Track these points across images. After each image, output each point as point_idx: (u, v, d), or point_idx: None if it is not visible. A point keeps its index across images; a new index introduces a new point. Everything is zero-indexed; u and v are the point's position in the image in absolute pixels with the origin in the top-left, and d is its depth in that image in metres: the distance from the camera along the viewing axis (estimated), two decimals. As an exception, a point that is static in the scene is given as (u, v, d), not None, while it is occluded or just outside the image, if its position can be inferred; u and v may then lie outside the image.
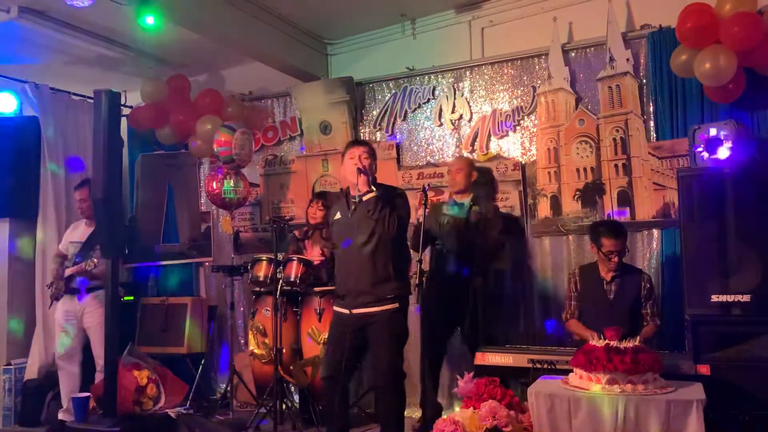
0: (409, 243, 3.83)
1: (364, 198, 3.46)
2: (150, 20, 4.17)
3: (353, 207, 3.50)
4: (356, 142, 3.78)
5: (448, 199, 4.46)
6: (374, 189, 3.48)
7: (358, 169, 3.46)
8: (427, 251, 4.31)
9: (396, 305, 3.45)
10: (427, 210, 3.67)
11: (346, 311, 3.51)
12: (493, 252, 4.28)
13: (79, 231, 4.84)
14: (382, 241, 3.43)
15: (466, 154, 4.90)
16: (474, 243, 4.19)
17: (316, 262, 3.77)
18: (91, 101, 4.36)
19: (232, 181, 5.16)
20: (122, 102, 5.11)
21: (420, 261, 3.52)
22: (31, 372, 5.00)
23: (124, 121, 5.34)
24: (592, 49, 4.51)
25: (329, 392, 3.55)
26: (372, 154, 3.60)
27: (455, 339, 4.42)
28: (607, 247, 3.74)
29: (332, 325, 3.70)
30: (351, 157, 3.55)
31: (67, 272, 4.67)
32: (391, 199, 3.49)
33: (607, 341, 2.97)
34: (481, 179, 4.57)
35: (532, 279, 4.64)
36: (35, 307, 5.09)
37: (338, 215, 3.64)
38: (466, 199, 4.34)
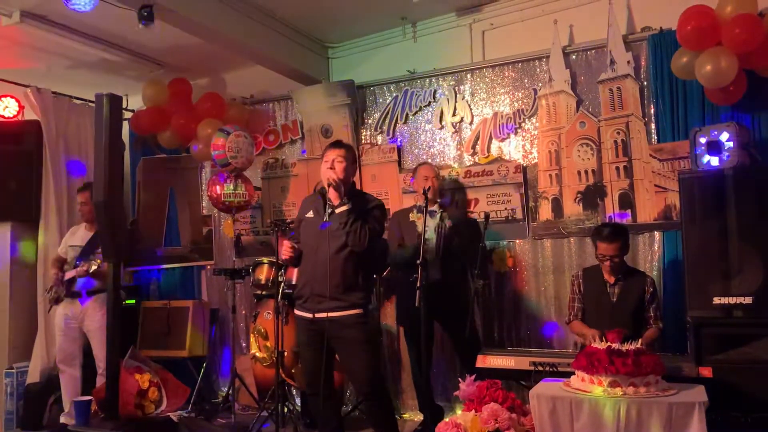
0: (392, 257, 3.77)
1: (337, 210, 3.42)
2: None
3: (328, 213, 3.46)
4: (333, 144, 3.61)
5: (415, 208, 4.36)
6: (346, 202, 3.42)
7: (329, 183, 3.43)
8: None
9: (360, 311, 3.42)
10: (426, 216, 3.65)
11: (309, 315, 3.47)
12: (477, 256, 4.24)
13: (79, 235, 4.85)
14: (352, 253, 3.41)
15: (467, 156, 4.90)
16: (459, 249, 4.17)
17: (284, 257, 3.71)
18: (93, 105, 4.37)
19: (232, 185, 5.16)
20: (124, 106, 5.11)
21: (421, 264, 3.51)
22: (33, 375, 5.01)
23: (125, 125, 5.35)
24: (593, 51, 4.51)
25: (315, 403, 3.54)
26: (348, 157, 3.52)
27: (452, 342, 4.40)
28: (600, 251, 3.75)
29: (298, 331, 3.65)
30: (326, 161, 3.50)
31: (68, 275, 4.67)
32: (363, 212, 3.44)
33: (608, 343, 2.96)
34: (452, 187, 4.67)
35: (533, 281, 4.63)
36: (37, 311, 5.10)
37: (311, 214, 3.57)
38: (435, 207, 4.28)
